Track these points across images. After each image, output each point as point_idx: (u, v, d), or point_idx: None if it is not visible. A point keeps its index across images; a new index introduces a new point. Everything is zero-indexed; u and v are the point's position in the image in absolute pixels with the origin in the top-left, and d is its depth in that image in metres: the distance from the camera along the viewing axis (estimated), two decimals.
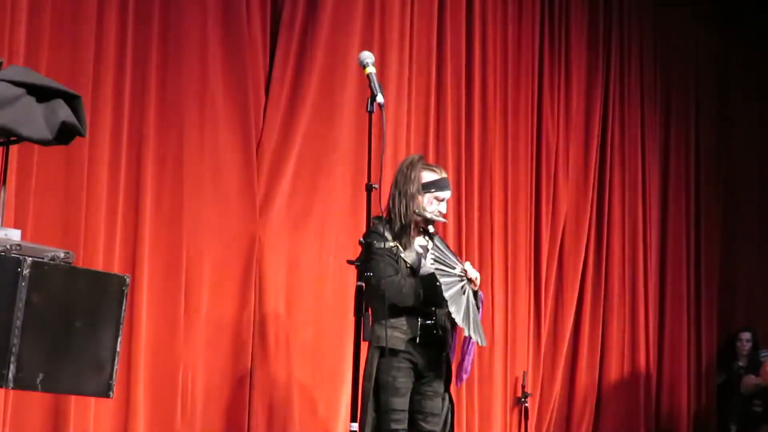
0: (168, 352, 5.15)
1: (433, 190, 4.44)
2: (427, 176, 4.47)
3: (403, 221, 4.40)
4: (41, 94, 3.26)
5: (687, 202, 8.61)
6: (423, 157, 4.65)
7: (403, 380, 4.33)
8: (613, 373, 7.74)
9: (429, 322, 4.35)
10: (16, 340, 2.94)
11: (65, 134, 3.33)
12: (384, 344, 4.24)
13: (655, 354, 8.12)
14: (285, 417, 5.55)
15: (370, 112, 3.91)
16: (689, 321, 8.46)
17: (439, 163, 6.48)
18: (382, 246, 4.33)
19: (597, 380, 7.62)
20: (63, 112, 3.28)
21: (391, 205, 4.45)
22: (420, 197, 4.43)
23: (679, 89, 8.66)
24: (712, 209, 8.87)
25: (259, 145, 5.61)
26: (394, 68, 6.19)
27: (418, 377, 4.38)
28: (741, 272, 9.17)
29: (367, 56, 4.01)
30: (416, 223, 4.47)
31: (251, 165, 5.54)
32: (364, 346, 3.85)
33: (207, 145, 5.40)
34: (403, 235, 4.40)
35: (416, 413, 4.39)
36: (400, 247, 4.37)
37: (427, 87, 6.47)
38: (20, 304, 2.96)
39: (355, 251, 4.12)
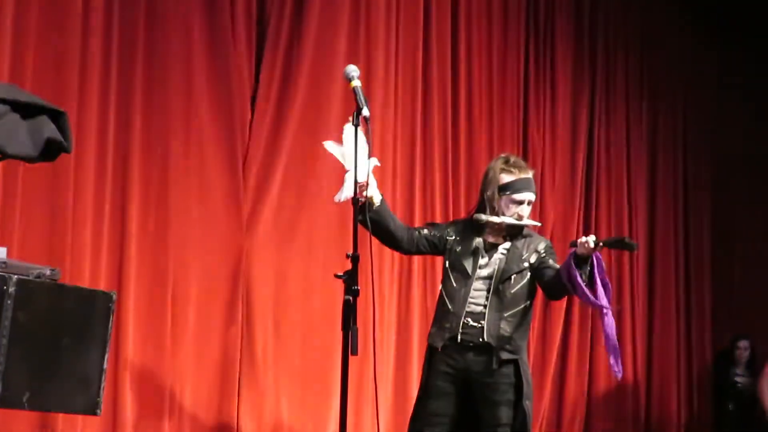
0: (155, 368, 5.13)
1: (508, 193, 4.34)
2: (504, 178, 4.36)
3: (480, 223, 4.38)
4: (26, 111, 3.25)
5: (675, 210, 8.63)
6: (509, 157, 4.50)
7: (442, 384, 4.27)
8: (602, 383, 7.74)
9: (475, 324, 4.26)
10: (2, 359, 2.93)
11: (50, 151, 3.33)
12: (431, 341, 4.30)
13: (643, 363, 8.12)
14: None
15: (356, 126, 3.91)
16: (678, 329, 8.47)
17: (426, 174, 6.49)
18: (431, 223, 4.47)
19: (586, 390, 7.61)
20: (48, 128, 3.28)
21: (478, 206, 4.45)
22: (497, 201, 4.35)
23: (666, 99, 8.68)
24: (702, 216, 8.88)
25: (245, 159, 5.60)
26: (380, 81, 6.20)
27: (469, 384, 4.27)
28: (735, 280, 9.17)
29: (353, 70, 4.01)
30: (498, 228, 4.40)
31: (237, 180, 5.54)
32: (352, 361, 3.84)
33: (193, 160, 5.39)
34: (471, 234, 4.39)
35: (480, 422, 4.27)
36: (456, 241, 4.39)
37: (412, 99, 6.47)
38: (6, 323, 2.95)
39: (343, 265, 4.12)
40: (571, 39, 7.79)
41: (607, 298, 4.10)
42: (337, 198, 4.13)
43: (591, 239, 4.00)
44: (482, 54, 7.03)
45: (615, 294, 7.87)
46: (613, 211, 8.02)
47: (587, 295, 4.05)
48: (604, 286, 4.11)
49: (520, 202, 4.35)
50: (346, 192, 4.08)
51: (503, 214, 4.34)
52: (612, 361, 4.19)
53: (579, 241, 4.04)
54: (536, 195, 4.48)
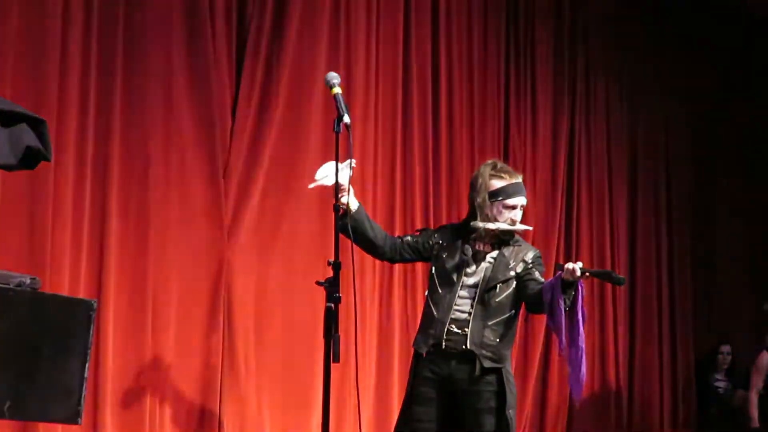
0: (135, 377, 5.12)
1: (500, 198, 4.33)
2: (495, 184, 4.34)
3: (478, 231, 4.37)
4: (6, 118, 3.24)
5: (657, 218, 8.64)
6: (496, 163, 4.47)
7: (425, 389, 4.28)
8: (585, 388, 7.70)
9: (459, 331, 4.26)
10: None
11: (30, 159, 3.32)
12: (416, 347, 4.31)
13: (625, 368, 8.13)
14: None
15: (337, 133, 3.91)
16: (661, 337, 8.48)
17: (406, 182, 6.49)
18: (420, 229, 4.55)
19: (568, 399, 7.62)
20: (28, 136, 3.26)
21: (469, 214, 4.42)
22: (489, 208, 4.34)
23: (646, 106, 8.69)
24: (684, 223, 8.89)
25: (226, 167, 5.60)
26: (360, 89, 6.20)
27: (452, 391, 4.27)
28: (717, 286, 9.20)
29: (333, 77, 4.02)
30: (491, 235, 4.38)
31: (218, 188, 5.53)
32: (334, 368, 3.84)
33: (173, 168, 5.38)
34: (458, 241, 4.38)
35: (464, 429, 4.28)
36: (443, 247, 4.39)
37: (393, 107, 6.47)
38: None
39: (324, 272, 4.12)
40: (551, 47, 7.80)
41: (582, 326, 4.14)
42: (316, 180, 4.20)
43: (578, 267, 4.01)
44: (462, 62, 7.03)
45: (597, 298, 7.92)
46: (594, 217, 8.03)
47: (560, 329, 4.08)
48: (582, 315, 4.13)
49: (513, 207, 4.35)
50: (320, 177, 4.16)
51: (496, 221, 4.35)
52: (574, 393, 4.26)
53: (566, 267, 4.03)
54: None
